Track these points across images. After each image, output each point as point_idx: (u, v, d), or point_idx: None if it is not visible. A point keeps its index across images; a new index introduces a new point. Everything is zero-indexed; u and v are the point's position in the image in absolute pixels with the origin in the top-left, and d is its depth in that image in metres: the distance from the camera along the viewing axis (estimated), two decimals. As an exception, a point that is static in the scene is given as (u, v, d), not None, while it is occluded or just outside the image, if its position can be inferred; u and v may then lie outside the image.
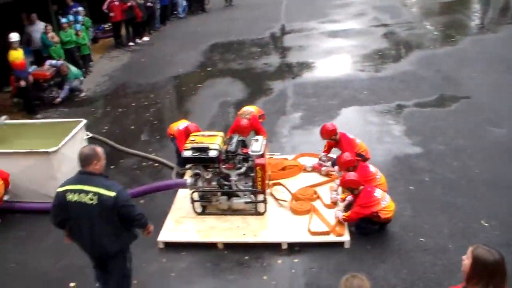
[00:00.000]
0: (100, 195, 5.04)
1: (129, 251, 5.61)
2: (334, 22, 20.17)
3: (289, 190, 7.78)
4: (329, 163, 8.33)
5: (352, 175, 7.08)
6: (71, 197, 5.11)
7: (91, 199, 5.05)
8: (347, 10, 22.06)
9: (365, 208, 6.76)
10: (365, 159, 7.99)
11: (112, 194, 5.05)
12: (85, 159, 5.17)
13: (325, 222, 7.09)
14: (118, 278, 5.61)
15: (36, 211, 8.22)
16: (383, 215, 6.76)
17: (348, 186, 7.13)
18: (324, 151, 8.54)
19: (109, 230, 5.20)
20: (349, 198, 7.31)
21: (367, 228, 6.93)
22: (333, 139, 8.23)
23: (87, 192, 5.06)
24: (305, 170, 8.48)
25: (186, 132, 8.37)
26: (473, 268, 3.69)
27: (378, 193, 6.91)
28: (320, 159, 8.49)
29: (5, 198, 8.25)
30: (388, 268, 6.32)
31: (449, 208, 7.44)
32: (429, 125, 10.23)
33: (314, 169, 8.44)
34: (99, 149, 5.28)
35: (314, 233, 6.90)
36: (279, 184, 7.99)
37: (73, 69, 14.16)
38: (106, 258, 5.47)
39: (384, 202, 6.82)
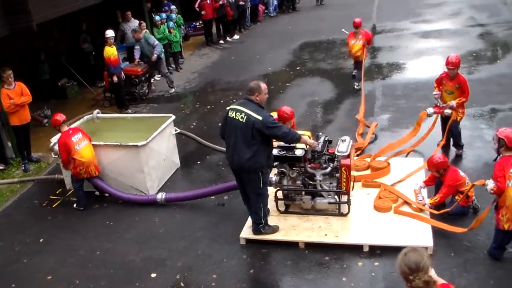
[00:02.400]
0: (249, 115, 6.43)
1: (264, 173, 6.78)
2: (427, 22, 19.61)
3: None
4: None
5: (440, 157, 7.42)
6: (230, 113, 6.63)
7: (242, 118, 6.46)
8: (442, 10, 21.36)
9: (454, 187, 7.04)
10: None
11: (259, 117, 6.38)
12: (250, 90, 6.66)
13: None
14: (253, 195, 6.88)
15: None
16: (471, 194, 7.03)
17: (438, 169, 7.28)
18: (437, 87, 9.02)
19: (248, 146, 6.48)
20: (421, 184, 7.68)
21: (462, 209, 7.14)
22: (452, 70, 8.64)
23: (241, 112, 6.50)
24: (427, 115, 8.98)
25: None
26: None
27: (462, 173, 7.30)
28: (435, 99, 8.93)
29: None
30: (473, 278, 6.12)
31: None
32: (525, 131, 9.73)
33: (435, 113, 8.92)
34: (263, 85, 6.68)
35: (399, 212, 7.29)
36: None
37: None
38: (241, 171, 6.73)
39: (467, 181, 7.17)
